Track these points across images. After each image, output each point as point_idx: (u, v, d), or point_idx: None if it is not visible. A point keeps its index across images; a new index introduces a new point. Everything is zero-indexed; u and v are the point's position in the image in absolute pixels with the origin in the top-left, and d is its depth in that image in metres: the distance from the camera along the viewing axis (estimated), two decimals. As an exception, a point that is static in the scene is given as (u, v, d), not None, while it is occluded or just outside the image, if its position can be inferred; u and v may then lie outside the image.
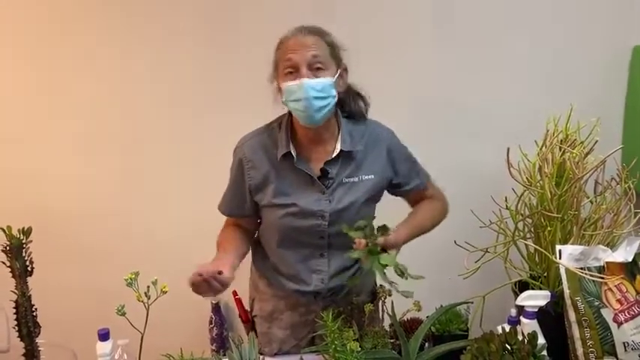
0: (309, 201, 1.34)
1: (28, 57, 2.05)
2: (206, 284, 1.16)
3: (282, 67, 1.28)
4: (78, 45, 2.04)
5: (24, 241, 0.96)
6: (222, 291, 1.23)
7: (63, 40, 2.03)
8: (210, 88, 2.09)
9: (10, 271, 0.96)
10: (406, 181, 1.44)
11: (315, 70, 1.26)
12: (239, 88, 2.05)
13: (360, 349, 1.15)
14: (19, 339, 0.99)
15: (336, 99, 1.30)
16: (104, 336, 1.31)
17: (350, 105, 1.41)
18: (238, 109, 2.03)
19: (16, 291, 0.97)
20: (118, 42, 2.04)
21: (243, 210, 1.43)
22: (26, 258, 0.96)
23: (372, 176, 1.39)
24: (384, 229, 1.21)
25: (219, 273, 1.19)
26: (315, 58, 1.25)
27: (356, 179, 1.37)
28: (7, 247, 0.95)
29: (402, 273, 1.18)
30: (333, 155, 1.35)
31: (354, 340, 1.16)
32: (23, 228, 0.96)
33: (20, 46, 2.04)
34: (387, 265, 1.17)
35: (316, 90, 1.25)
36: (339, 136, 1.36)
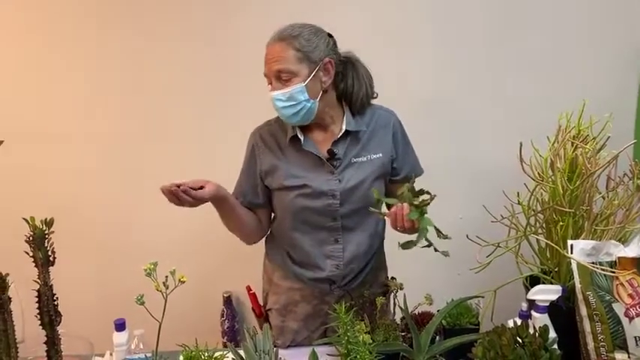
0: (319, 181, 1.39)
1: (41, 56, 2.09)
2: (174, 197, 1.27)
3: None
4: (91, 44, 2.09)
5: (46, 232, 0.98)
6: (195, 204, 1.31)
7: (70, 40, 2.08)
8: (216, 84, 2.11)
9: (33, 261, 0.99)
10: (400, 166, 1.48)
11: (283, 80, 1.32)
12: (246, 83, 2.07)
13: (371, 341, 1.17)
14: (40, 327, 1.01)
15: (312, 101, 1.34)
16: (120, 326, 1.34)
17: (347, 82, 1.42)
18: (244, 103, 2.06)
19: (38, 280, 0.99)
20: (125, 41, 2.09)
21: (257, 196, 1.48)
22: (48, 248, 0.99)
23: (380, 154, 1.43)
24: (421, 192, 1.25)
25: (200, 188, 1.30)
26: (280, 72, 1.31)
27: (364, 159, 1.42)
28: (31, 238, 0.98)
29: (439, 233, 1.22)
30: (339, 135, 1.40)
31: (365, 332, 1.18)
32: (46, 219, 0.98)
33: (31, 46, 2.09)
34: (431, 225, 1.22)
35: (282, 100, 1.32)
36: (344, 118, 1.41)
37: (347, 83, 1.42)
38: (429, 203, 1.22)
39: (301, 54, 1.31)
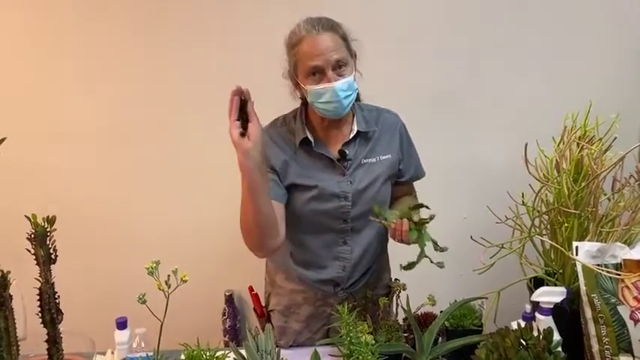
0: (330, 183, 1.38)
1: (43, 57, 2.09)
2: (236, 96, 1.16)
3: (305, 70, 1.28)
4: (94, 45, 2.09)
5: (48, 230, 0.98)
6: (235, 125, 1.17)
7: (73, 41, 2.08)
8: (219, 84, 2.09)
9: (35, 259, 0.98)
10: (406, 168, 1.49)
11: (339, 69, 1.28)
12: (250, 85, 2.06)
13: (374, 342, 1.16)
14: (42, 325, 1.01)
15: (357, 91, 1.34)
16: (122, 324, 1.34)
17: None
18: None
19: (40, 278, 0.99)
20: (127, 41, 2.09)
21: (278, 186, 1.37)
22: (50, 246, 0.98)
23: (389, 155, 1.43)
24: (419, 206, 1.30)
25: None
26: (339, 61, 1.27)
27: (374, 160, 1.41)
28: (33, 235, 0.97)
29: (436, 245, 1.28)
30: (351, 136, 1.39)
31: (368, 333, 1.17)
32: (48, 216, 0.98)
33: (33, 47, 2.09)
34: (429, 240, 1.27)
35: (344, 90, 1.28)
36: (355, 119, 1.41)
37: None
38: (428, 222, 1.26)
39: (346, 43, 1.31)
